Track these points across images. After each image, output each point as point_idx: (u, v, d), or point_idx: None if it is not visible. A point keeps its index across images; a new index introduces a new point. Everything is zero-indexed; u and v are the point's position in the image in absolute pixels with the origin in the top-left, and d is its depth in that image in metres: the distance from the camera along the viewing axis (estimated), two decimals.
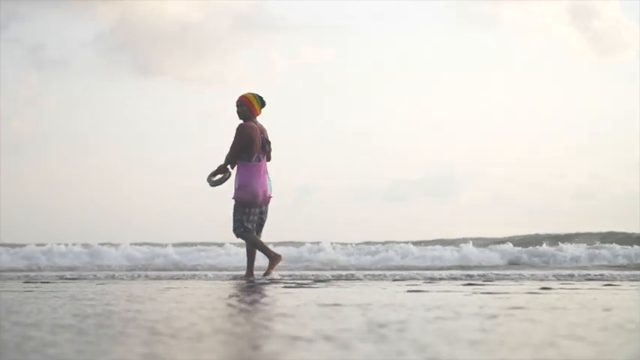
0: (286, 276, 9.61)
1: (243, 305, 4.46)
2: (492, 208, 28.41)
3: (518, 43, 29.87)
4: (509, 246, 16.01)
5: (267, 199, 8.59)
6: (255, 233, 8.56)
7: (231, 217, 8.57)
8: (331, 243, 17.02)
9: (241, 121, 8.57)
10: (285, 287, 6.57)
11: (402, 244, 16.30)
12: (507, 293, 5.55)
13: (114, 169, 30.20)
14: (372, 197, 29.58)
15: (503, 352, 2.36)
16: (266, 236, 8.84)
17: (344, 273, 10.76)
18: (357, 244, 17.55)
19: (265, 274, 8.61)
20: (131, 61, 29.55)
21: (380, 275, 9.79)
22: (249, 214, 8.48)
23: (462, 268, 13.49)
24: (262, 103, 8.62)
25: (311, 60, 29.79)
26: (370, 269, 13.07)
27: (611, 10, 28.58)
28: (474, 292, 5.69)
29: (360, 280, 8.43)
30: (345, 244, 18.16)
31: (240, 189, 8.49)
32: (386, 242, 17.25)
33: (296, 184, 29.45)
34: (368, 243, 17.61)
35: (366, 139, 29.83)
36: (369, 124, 30.29)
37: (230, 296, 5.46)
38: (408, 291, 5.88)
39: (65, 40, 31.26)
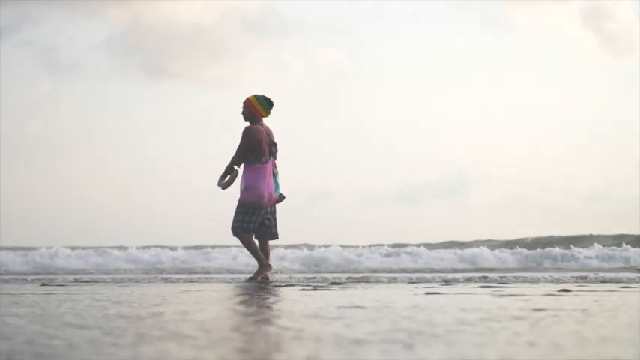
0: (300, 278, 9.60)
1: (275, 307, 4.45)
2: (503, 209, 28.38)
3: (530, 44, 29.86)
4: (521, 248, 15.97)
5: (272, 201, 8.59)
6: (253, 235, 8.56)
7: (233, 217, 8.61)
8: (342, 245, 17.02)
9: (247, 123, 8.57)
10: (303, 290, 6.56)
11: (413, 247, 16.29)
12: (528, 295, 5.54)
13: (125, 172, 30.25)
14: (383, 199, 29.56)
15: (568, 353, 2.36)
16: (278, 238, 8.82)
17: (358, 275, 10.75)
18: (368, 247, 17.53)
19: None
20: (143, 64, 29.64)
21: (394, 277, 9.78)
22: (251, 214, 8.50)
23: (475, 270, 13.47)
24: (269, 105, 8.56)
25: (323, 62, 29.83)
26: (383, 272, 13.06)
27: (623, 11, 28.52)
28: (494, 294, 5.67)
29: (376, 282, 8.42)
30: (356, 246, 18.16)
31: (245, 191, 8.51)
32: (397, 245, 17.23)
33: (307, 186, 29.46)
34: (379, 245, 17.58)
35: (377, 141, 29.85)
36: (381, 126, 30.31)
37: (255, 298, 5.45)
38: (427, 293, 5.87)
39: (77, 43, 31.36)
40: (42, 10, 30.83)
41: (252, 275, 8.78)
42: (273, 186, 8.59)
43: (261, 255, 8.58)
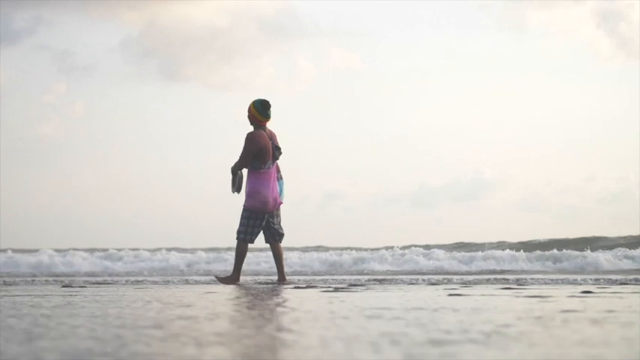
0: (318, 280, 9.63)
1: (316, 309, 4.46)
2: (519, 212, 28.30)
3: (544, 46, 29.78)
4: (535, 250, 15.96)
5: (277, 205, 8.64)
6: (249, 243, 8.63)
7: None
8: (356, 247, 17.03)
9: (251, 128, 8.61)
10: (324, 292, 6.59)
11: (427, 249, 16.30)
12: (553, 297, 5.55)
13: (140, 175, 30.33)
14: (398, 202, 29.52)
15: None
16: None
17: (376, 277, 10.78)
18: (383, 249, 17.55)
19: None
20: (158, 67, 29.65)
21: (413, 279, 9.80)
22: (255, 219, 8.56)
23: (492, 272, 13.47)
24: (264, 110, 8.52)
25: (337, 65, 29.77)
26: (398, 274, 13.08)
27: (638, 13, 28.41)
28: (517, 296, 5.70)
29: (396, 284, 8.44)
30: (371, 249, 18.18)
31: (250, 196, 8.56)
32: (411, 246, 17.22)
33: (321, 188, 29.50)
34: (394, 247, 17.61)
35: (392, 143, 29.82)
36: (395, 129, 30.29)
37: (285, 299, 5.48)
38: (450, 295, 5.89)
39: (92, 46, 31.45)
40: (57, 13, 30.99)
41: (224, 276, 8.96)
42: (278, 190, 8.64)
43: (240, 270, 8.67)
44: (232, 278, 8.67)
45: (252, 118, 8.57)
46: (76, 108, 29.57)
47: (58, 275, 13.50)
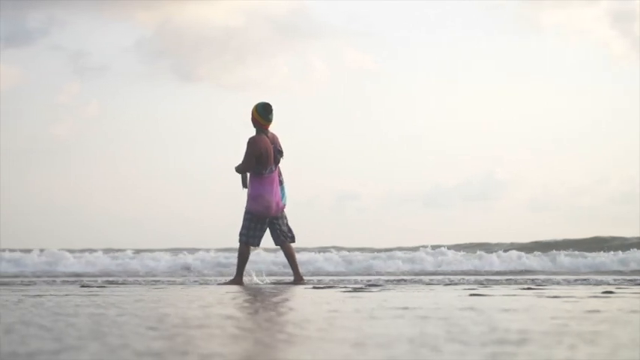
0: (335, 281, 9.66)
1: (357, 309, 4.47)
2: (532, 212, 28.25)
3: (558, 47, 29.72)
4: (547, 250, 15.96)
5: (280, 210, 8.67)
6: (253, 246, 8.68)
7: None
8: (370, 248, 17.03)
9: (254, 132, 8.64)
10: (345, 292, 6.61)
11: (442, 249, 16.31)
12: (574, 297, 5.56)
13: (153, 175, 30.39)
14: (411, 202, 29.49)
15: None
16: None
17: (396, 278, 10.81)
18: (396, 249, 17.56)
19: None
20: (171, 67, 29.70)
21: (429, 280, 9.82)
22: (256, 222, 8.59)
23: (507, 272, 13.48)
24: (265, 113, 8.52)
25: (351, 65, 29.74)
26: (414, 274, 13.10)
27: None
28: (540, 296, 5.71)
29: (414, 284, 8.46)
30: (384, 249, 18.19)
31: (252, 200, 8.58)
32: (424, 247, 17.24)
33: (335, 189, 29.52)
34: (407, 248, 17.62)
35: (404, 144, 29.79)
36: (408, 129, 30.27)
37: (311, 299, 5.50)
38: (472, 295, 5.90)
39: (106, 46, 31.53)
40: (70, 14, 31.06)
41: (228, 280, 9.05)
42: (280, 194, 8.66)
43: (243, 272, 8.70)
44: (235, 281, 8.70)
45: (254, 122, 8.60)
46: (90, 108, 29.64)
47: (68, 275, 13.56)
